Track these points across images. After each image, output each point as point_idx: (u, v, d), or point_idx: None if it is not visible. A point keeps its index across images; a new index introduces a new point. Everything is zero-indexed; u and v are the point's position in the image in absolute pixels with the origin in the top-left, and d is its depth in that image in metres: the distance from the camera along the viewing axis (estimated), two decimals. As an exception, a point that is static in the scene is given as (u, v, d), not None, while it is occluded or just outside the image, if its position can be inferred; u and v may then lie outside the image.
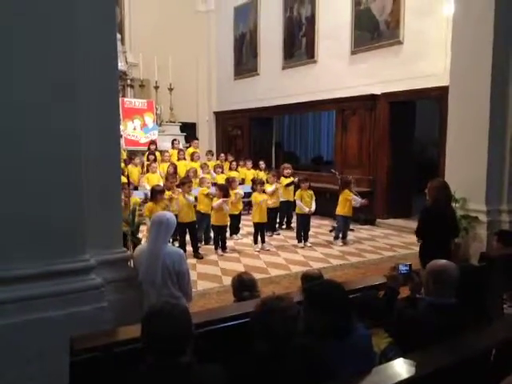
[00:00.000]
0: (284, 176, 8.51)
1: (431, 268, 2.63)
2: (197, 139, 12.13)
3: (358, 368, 2.05)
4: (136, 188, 8.87)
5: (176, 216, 5.90)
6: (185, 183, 6.99)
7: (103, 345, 2.30)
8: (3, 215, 2.69)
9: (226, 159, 11.20)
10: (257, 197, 7.45)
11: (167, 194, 6.71)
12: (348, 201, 7.69)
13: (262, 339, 1.94)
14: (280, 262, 6.63)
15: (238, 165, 10.54)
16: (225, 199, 7.02)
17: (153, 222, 3.56)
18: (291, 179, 8.37)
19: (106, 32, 3.20)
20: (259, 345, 1.95)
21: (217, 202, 7.00)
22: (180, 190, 6.95)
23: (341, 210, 7.75)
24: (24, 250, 2.74)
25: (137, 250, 3.64)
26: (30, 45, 2.70)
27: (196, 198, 7.23)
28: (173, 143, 11.39)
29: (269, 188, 7.98)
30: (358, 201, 7.70)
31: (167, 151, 10.64)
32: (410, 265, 2.97)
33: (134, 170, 9.35)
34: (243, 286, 3.32)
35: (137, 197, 7.06)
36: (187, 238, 6.90)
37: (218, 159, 11.44)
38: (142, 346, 1.84)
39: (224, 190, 7.18)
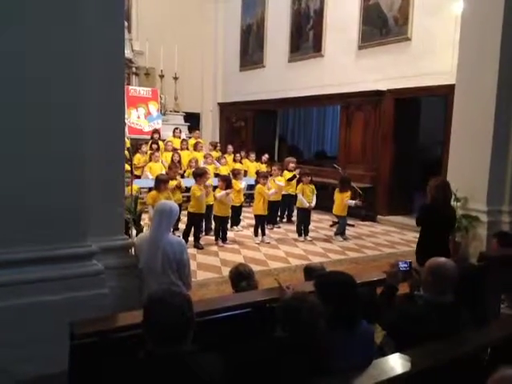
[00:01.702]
0: (288, 170, 8.50)
1: (430, 265, 2.64)
2: (198, 130, 12.10)
3: (362, 359, 2.08)
4: (139, 177, 8.89)
5: (180, 205, 5.97)
6: (202, 174, 6.92)
7: (103, 330, 2.32)
8: (5, 200, 2.71)
9: (223, 151, 11.06)
10: (262, 189, 7.44)
11: (170, 183, 6.72)
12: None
13: (285, 326, 2.03)
14: (280, 255, 6.65)
15: (241, 156, 10.53)
16: (228, 191, 7.02)
17: (156, 210, 3.57)
18: (293, 173, 8.38)
19: (114, 22, 3.21)
20: (279, 331, 2.04)
21: (220, 193, 7.01)
22: (182, 179, 6.97)
23: (342, 210, 7.76)
24: (25, 234, 2.77)
25: (138, 238, 3.67)
26: (34, 35, 2.71)
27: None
28: (174, 132, 11.36)
29: (280, 182, 8.01)
30: (352, 203, 7.74)
31: (170, 140, 10.63)
32: (410, 262, 2.97)
33: (141, 159, 9.37)
34: (240, 276, 3.35)
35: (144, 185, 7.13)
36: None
37: (214, 150, 11.19)
38: (143, 333, 1.86)
39: (227, 181, 7.19)
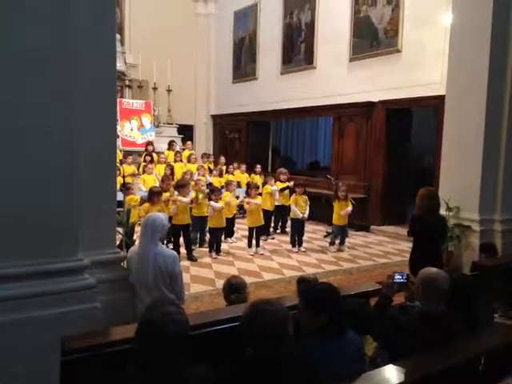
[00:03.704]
0: (280, 181, 8.52)
1: (422, 275, 2.65)
2: (190, 141, 12.17)
3: (349, 371, 2.06)
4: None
5: (170, 218, 5.97)
6: (184, 185, 6.99)
7: (95, 345, 2.30)
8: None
9: (215, 163, 11.10)
10: (251, 201, 7.48)
11: (164, 195, 6.72)
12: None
13: (250, 343, 1.91)
14: (274, 267, 6.64)
15: (233, 168, 10.56)
16: (214, 206, 7.04)
17: (143, 223, 3.57)
18: (286, 184, 8.40)
19: (106, 33, 3.22)
20: (248, 349, 1.92)
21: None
22: (176, 192, 6.97)
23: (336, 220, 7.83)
24: (16, 248, 2.73)
25: (130, 251, 3.64)
26: (29, 46, 2.71)
27: (192, 201, 7.21)
28: (170, 144, 11.36)
29: (273, 187, 8.07)
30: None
31: (163, 153, 10.65)
32: (408, 274, 2.98)
33: (128, 170, 9.37)
34: (232, 289, 3.34)
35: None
36: (181, 240, 6.90)
37: (207, 161, 11.24)
38: (135, 347, 1.84)
39: (215, 191, 7.30)
